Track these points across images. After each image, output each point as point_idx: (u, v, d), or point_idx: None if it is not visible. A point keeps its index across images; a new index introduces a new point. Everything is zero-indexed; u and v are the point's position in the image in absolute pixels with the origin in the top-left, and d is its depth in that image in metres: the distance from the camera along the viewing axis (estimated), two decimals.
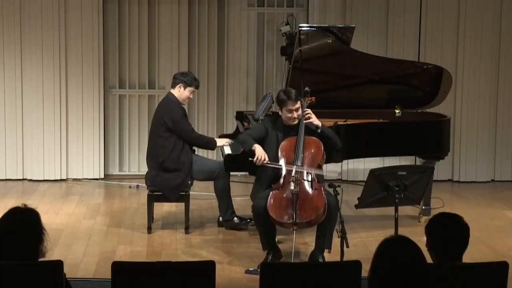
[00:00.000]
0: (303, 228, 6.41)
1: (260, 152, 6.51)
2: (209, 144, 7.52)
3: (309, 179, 6.25)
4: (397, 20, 9.74)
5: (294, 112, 6.52)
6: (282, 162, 6.41)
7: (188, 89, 7.39)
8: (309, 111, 6.52)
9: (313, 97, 6.81)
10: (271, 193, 6.25)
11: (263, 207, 6.24)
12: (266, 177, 6.60)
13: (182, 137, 7.30)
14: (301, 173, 6.27)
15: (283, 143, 6.49)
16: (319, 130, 6.53)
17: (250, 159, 6.52)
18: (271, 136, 6.63)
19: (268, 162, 6.48)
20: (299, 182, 6.21)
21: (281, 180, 6.32)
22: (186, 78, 7.41)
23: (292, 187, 6.18)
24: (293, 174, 6.26)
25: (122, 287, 4.07)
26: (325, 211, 6.12)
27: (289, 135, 6.55)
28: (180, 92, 7.38)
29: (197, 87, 7.51)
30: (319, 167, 6.43)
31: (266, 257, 6.40)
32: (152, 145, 7.45)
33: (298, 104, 6.54)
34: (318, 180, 6.35)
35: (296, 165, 6.30)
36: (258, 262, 6.27)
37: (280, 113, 6.63)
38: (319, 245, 6.36)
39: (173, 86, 7.42)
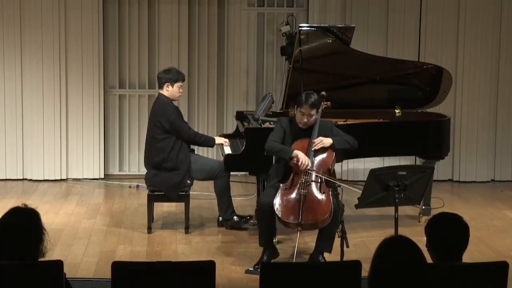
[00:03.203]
0: (308, 230, 6.40)
1: (304, 158, 6.33)
2: (208, 142, 7.52)
3: (318, 182, 6.25)
4: (397, 20, 9.74)
5: (305, 117, 6.47)
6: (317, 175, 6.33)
7: (176, 85, 7.37)
8: (315, 142, 6.44)
9: (329, 102, 6.79)
10: (278, 191, 6.25)
11: (268, 204, 6.24)
12: (278, 174, 6.57)
13: (180, 136, 7.30)
14: (311, 175, 6.27)
15: (295, 144, 6.48)
16: (334, 147, 6.48)
17: (296, 161, 6.31)
18: (287, 135, 6.60)
19: (311, 168, 6.31)
20: (308, 184, 6.22)
21: (290, 180, 6.32)
22: (170, 75, 7.39)
23: (301, 188, 6.18)
24: (302, 175, 6.26)
25: (122, 287, 4.07)
26: (331, 215, 6.10)
27: (301, 136, 6.54)
28: (170, 91, 7.37)
29: (183, 80, 7.48)
30: (329, 171, 6.43)
31: (262, 256, 6.41)
32: (149, 146, 7.44)
33: (314, 111, 6.46)
34: (328, 184, 6.30)
35: (311, 170, 6.30)
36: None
37: (294, 112, 6.62)
38: (320, 247, 6.35)
39: (161, 87, 7.41)
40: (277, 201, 6.19)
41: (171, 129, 7.28)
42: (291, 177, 6.34)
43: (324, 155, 6.44)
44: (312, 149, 6.41)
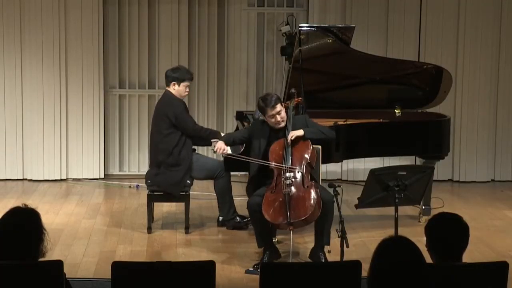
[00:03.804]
0: (300, 227, 6.42)
1: (219, 144, 6.81)
2: (213, 135, 7.51)
3: (300, 178, 6.27)
4: (397, 20, 9.74)
5: (277, 116, 6.57)
6: (273, 165, 6.43)
7: (183, 84, 7.38)
8: (288, 138, 6.48)
9: (300, 98, 6.86)
10: (264, 195, 6.26)
11: (258, 204, 6.26)
12: (255, 171, 6.66)
13: (186, 130, 7.30)
14: (292, 172, 6.29)
15: (272, 146, 6.54)
16: (306, 137, 6.53)
17: (212, 148, 7.04)
18: (255, 140, 6.70)
19: (229, 153, 6.78)
20: (290, 182, 6.23)
21: (273, 182, 6.34)
22: (178, 74, 7.39)
23: (284, 188, 6.19)
24: (283, 175, 6.27)
25: (122, 287, 4.07)
26: (320, 207, 6.13)
27: (277, 137, 6.58)
28: (176, 90, 7.37)
29: (190, 80, 7.48)
30: (310, 165, 6.44)
31: (263, 256, 6.41)
32: (154, 142, 7.43)
33: (278, 107, 6.55)
34: (314, 179, 6.35)
35: (286, 166, 6.33)
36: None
37: (266, 119, 6.67)
38: (319, 241, 6.38)
39: (168, 85, 7.43)
40: (264, 206, 6.20)
41: (176, 122, 7.27)
42: (274, 178, 6.36)
43: (300, 149, 6.47)
44: (289, 146, 6.44)
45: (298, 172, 6.32)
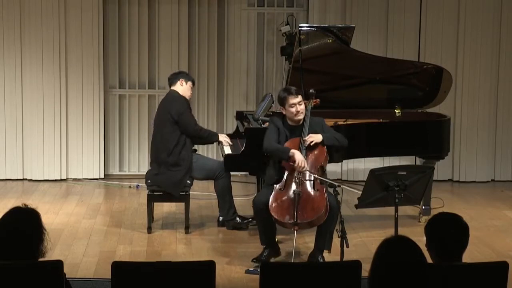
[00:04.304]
0: (304, 229, 6.42)
1: (300, 159, 6.27)
2: (212, 136, 7.55)
3: (311, 180, 6.26)
4: (397, 20, 9.74)
5: (298, 106, 6.50)
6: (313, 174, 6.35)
7: (189, 83, 7.47)
8: (306, 140, 6.44)
9: (318, 99, 6.82)
10: (273, 192, 6.25)
11: (263, 203, 6.25)
12: (274, 175, 6.55)
13: (186, 129, 7.31)
14: (304, 173, 6.28)
15: (286, 144, 6.49)
16: (324, 143, 6.50)
17: (292, 163, 6.29)
18: (282, 133, 6.62)
19: (308, 169, 6.30)
20: (301, 182, 6.22)
21: (284, 180, 6.32)
22: (183, 74, 7.53)
23: (294, 188, 6.19)
24: (295, 174, 6.26)
25: (122, 287, 4.07)
26: (327, 212, 6.12)
27: (293, 135, 6.55)
28: (183, 86, 7.43)
29: (193, 83, 7.59)
30: (322, 168, 6.44)
31: (262, 253, 6.42)
32: (156, 141, 7.43)
33: (300, 98, 6.53)
34: (321, 181, 6.35)
35: (309, 171, 6.30)
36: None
37: (284, 113, 6.62)
38: (319, 245, 6.36)
39: (173, 84, 7.46)
40: (272, 202, 6.20)
41: (179, 120, 7.29)
42: (284, 177, 6.34)
43: (316, 153, 6.45)
44: (304, 147, 6.43)
45: (310, 174, 6.31)
